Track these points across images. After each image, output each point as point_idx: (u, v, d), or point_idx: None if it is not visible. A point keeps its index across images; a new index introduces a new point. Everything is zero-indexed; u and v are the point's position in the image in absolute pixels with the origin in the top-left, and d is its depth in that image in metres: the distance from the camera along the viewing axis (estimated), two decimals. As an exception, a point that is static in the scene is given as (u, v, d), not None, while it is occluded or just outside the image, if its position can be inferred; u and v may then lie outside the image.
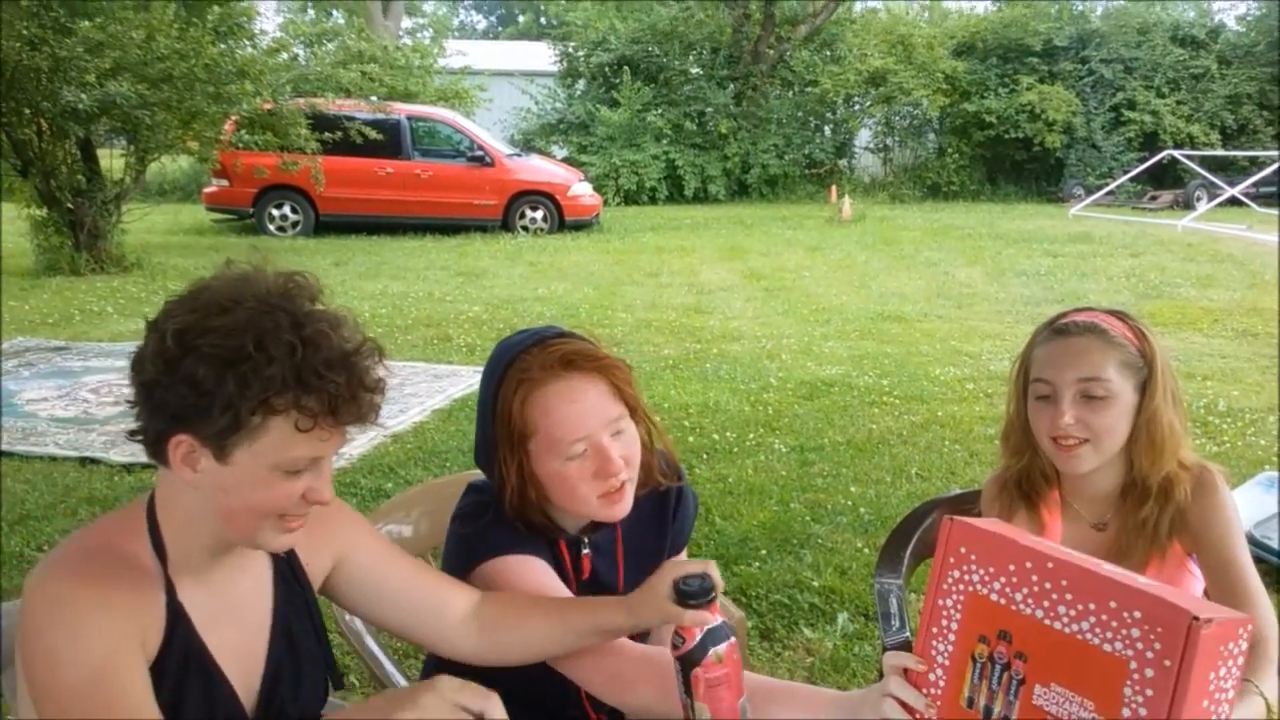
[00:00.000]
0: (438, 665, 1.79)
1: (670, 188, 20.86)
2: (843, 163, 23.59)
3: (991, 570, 1.16)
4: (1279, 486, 4.12)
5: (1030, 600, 1.12)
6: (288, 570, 1.41)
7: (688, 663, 1.27)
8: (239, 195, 14.45)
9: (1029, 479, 1.86)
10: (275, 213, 14.62)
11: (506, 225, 15.01)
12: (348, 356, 1.21)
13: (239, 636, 1.34)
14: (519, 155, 16.45)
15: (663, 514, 1.74)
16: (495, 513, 1.58)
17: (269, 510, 1.24)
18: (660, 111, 21.44)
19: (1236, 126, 22.05)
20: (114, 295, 9.66)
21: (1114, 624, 1.04)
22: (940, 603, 1.22)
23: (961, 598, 1.19)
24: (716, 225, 16.37)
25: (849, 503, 4.53)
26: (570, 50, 23.88)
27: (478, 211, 14.93)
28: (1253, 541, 3.81)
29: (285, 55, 13.88)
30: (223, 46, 11.10)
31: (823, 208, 18.71)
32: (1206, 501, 1.73)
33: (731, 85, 22.27)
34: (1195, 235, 14.65)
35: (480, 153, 15.11)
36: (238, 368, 1.15)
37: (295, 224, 14.66)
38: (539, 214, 15.12)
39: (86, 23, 9.83)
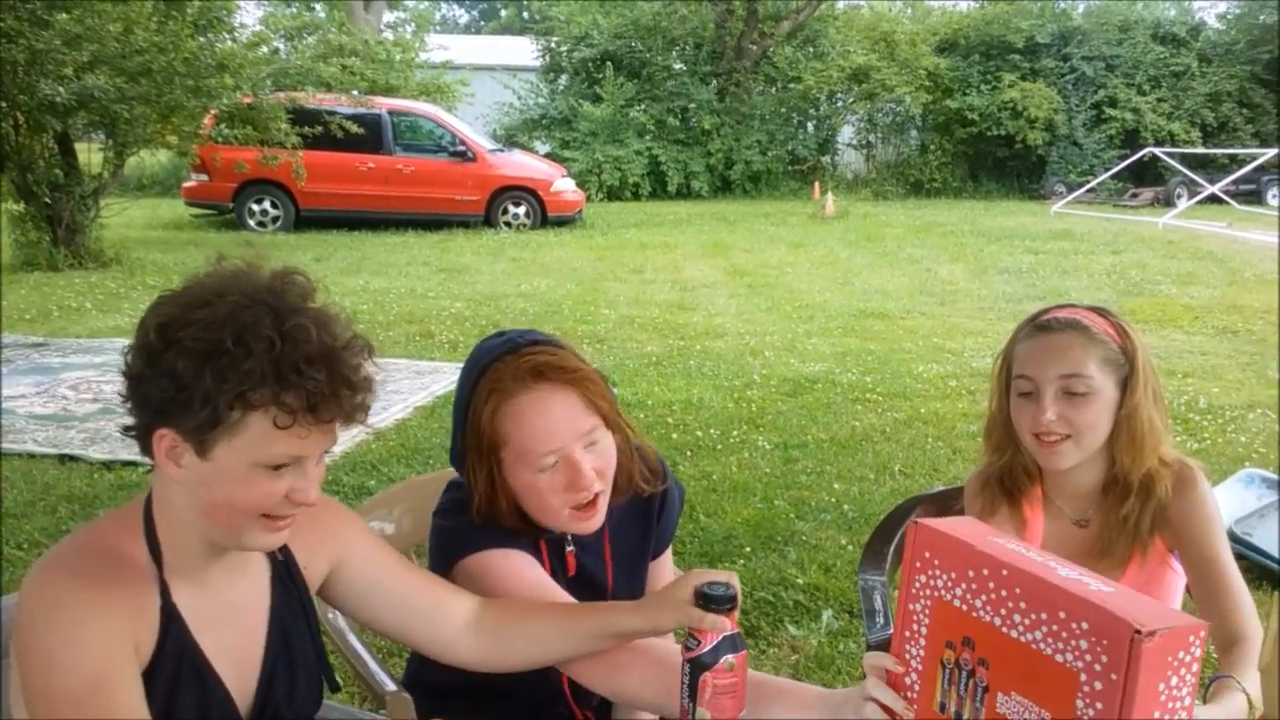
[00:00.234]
0: (421, 664, 1.78)
1: (653, 184, 20.84)
2: (826, 159, 23.64)
3: (953, 576, 1.16)
4: (1259, 483, 4.14)
5: (989, 607, 1.11)
6: (285, 572, 1.40)
7: (699, 666, 1.26)
8: (218, 190, 14.36)
9: (1011, 475, 1.86)
10: (255, 208, 14.54)
11: (489, 221, 14.96)
12: (331, 353, 1.20)
13: (234, 638, 1.33)
14: (501, 150, 16.41)
15: (648, 511, 1.74)
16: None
17: (251, 508, 1.22)
18: (643, 107, 21.43)
19: (1217, 124, 22.21)
20: (92, 291, 9.59)
21: (1064, 634, 1.03)
22: (910, 607, 1.21)
23: (928, 603, 1.19)
24: (699, 221, 16.37)
25: (833, 500, 4.53)
26: (553, 45, 23.84)
27: (460, 207, 14.88)
28: (1233, 538, 3.83)
29: (265, 49, 13.75)
30: (202, 40, 11.02)
31: (806, 204, 18.74)
32: (1187, 497, 1.73)
33: (714, 81, 22.27)
34: (1176, 233, 14.75)
35: (462, 148, 15.06)
36: (215, 361, 1.14)
37: (275, 219, 14.58)
38: (521, 210, 15.08)
39: (64, 15, 9.72)
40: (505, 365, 1.50)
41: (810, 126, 23.99)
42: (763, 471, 4.91)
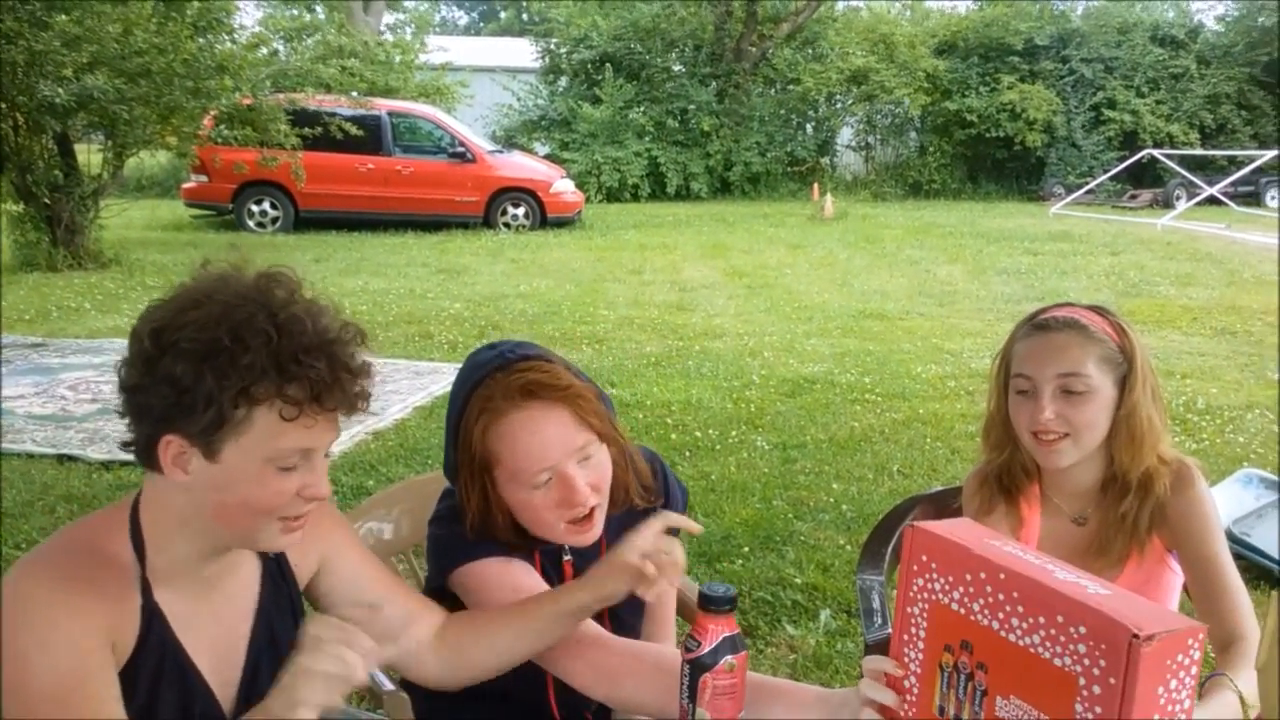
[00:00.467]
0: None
1: (652, 185, 20.85)
2: (825, 161, 23.63)
3: (951, 579, 1.15)
4: (1258, 483, 4.15)
5: (987, 611, 1.11)
6: (275, 569, 1.40)
7: (699, 667, 1.26)
8: (218, 191, 14.36)
9: (1010, 474, 1.86)
10: (255, 209, 14.54)
11: (488, 222, 14.96)
12: (328, 342, 1.20)
13: (218, 634, 1.33)
14: (501, 152, 16.41)
15: (648, 515, 1.72)
16: None
17: (266, 508, 1.22)
18: (642, 109, 21.44)
19: (1215, 126, 22.23)
20: (92, 291, 9.58)
21: (1062, 638, 1.03)
22: (908, 610, 1.21)
23: (926, 606, 1.18)
24: (699, 223, 16.38)
25: (831, 500, 4.53)
26: (552, 47, 23.85)
27: (459, 208, 14.88)
28: (1232, 538, 3.84)
29: (265, 50, 13.76)
30: (201, 41, 11.03)
31: (805, 205, 18.74)
32: (1185, 497, 1.73)
33: (714, 83, 22.28)
34: (1174, 234, 14.75)
35: (462, 149, 15.06)
36: (214, 360, 1.14)
37: (275, 220, 14.57)
38: (521, 211, 15.08)
39: (63, 16, 9.73)
40: (496, 382, 1.48)
41: (809, 128, 23.99)
42: (761, 472, 4.91)
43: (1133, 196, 20.04)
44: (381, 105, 15.13)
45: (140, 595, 1.24)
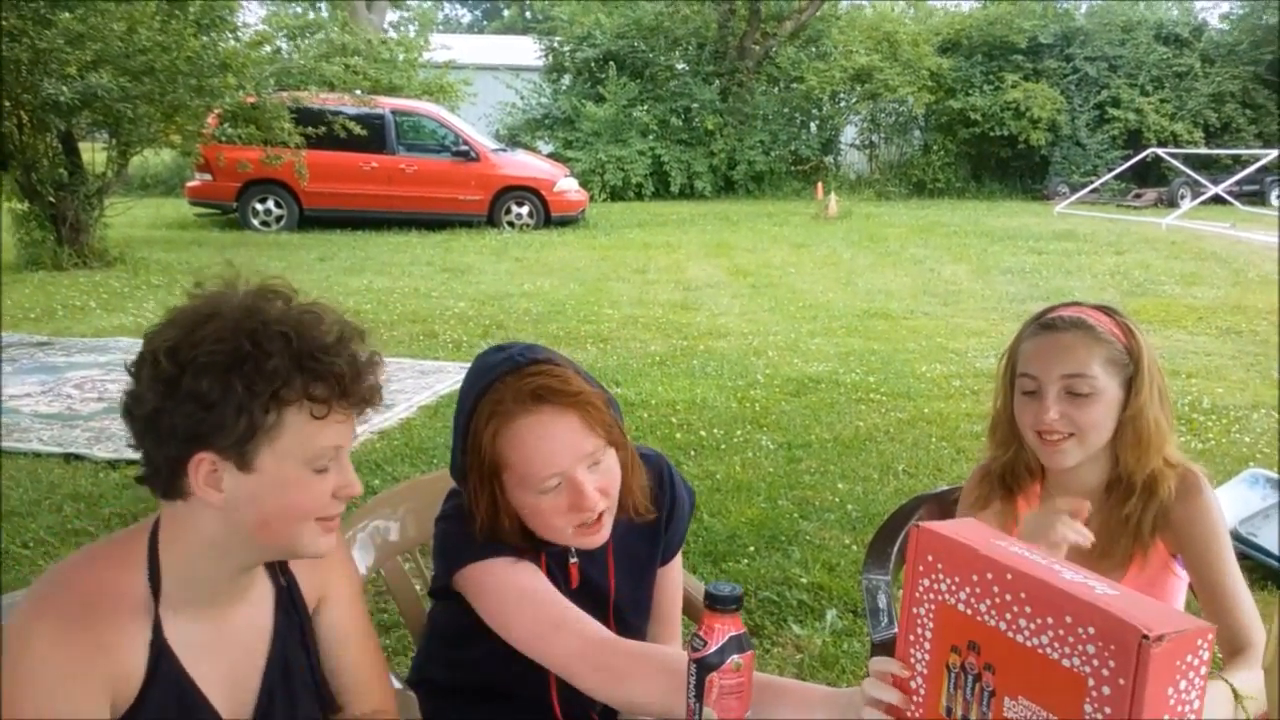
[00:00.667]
0: (425, 663, 1.78)
1: (656, 184, 20.85)
2: (828, 159, 23.63)
3: (957, 580, 1.15)
4: (1264, 484, 4.14)
5: (994, 612, 1.10)
6: (288, 598, 1.39)
7: (705, 666, 1.26)
8: (222, 189, 14.38)
9: (1013, 472, 1.86)
10: (259, 207, 14.55)
11: (492, 221, 14.97)
12: (342, 338, 1.22)
13: (231, 665, 1.32)
14: (504, 150, 16.41)
15: (655, 520, 1.72)
16: None
17: (306, 512, 1.22)
18: (646, 107, 21.43)
19: (1220, 125, 22.19)
20: (97, 290, 9.60)
21: (1070, 639, 1.02)
22: (914, 610, 1.21)
23: (933, 607, 1.18)
24: (703, 221, 16.37)
25: (836, 499, 4.53)
26: (556, 45, 23.84)
27: (463, 207, 14.89)
28: (1238, 538, 3.84)
29: (268, 48, 13.77)
30: (205, 39, 11.02)
31: (809, 204, 18.73)
32: (1192, 504, 1.73)
33: (717, 81, 22.26)
34: (1179, 233, 14.73)
35: (465, 148, 15.06)
36: (240, 368, 1.14)
37: (279, 218, 14.59)
38: (525, 209, 15.08)
39: (67, 14, 9.74)
40: (506, 386, 1.48)
41: (813, 127, 23.97)
42: (766, 471, 4.91)
43: (1137, 195, 20.01)
44: (385, 103, 15.14)
45: (150, 632, 1.23)
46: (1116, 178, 20.05)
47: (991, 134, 21.88)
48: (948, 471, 4.88)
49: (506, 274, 10.90)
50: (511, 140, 20.55)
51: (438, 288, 9.94)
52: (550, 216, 15.10)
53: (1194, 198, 17.86)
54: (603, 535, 1.55)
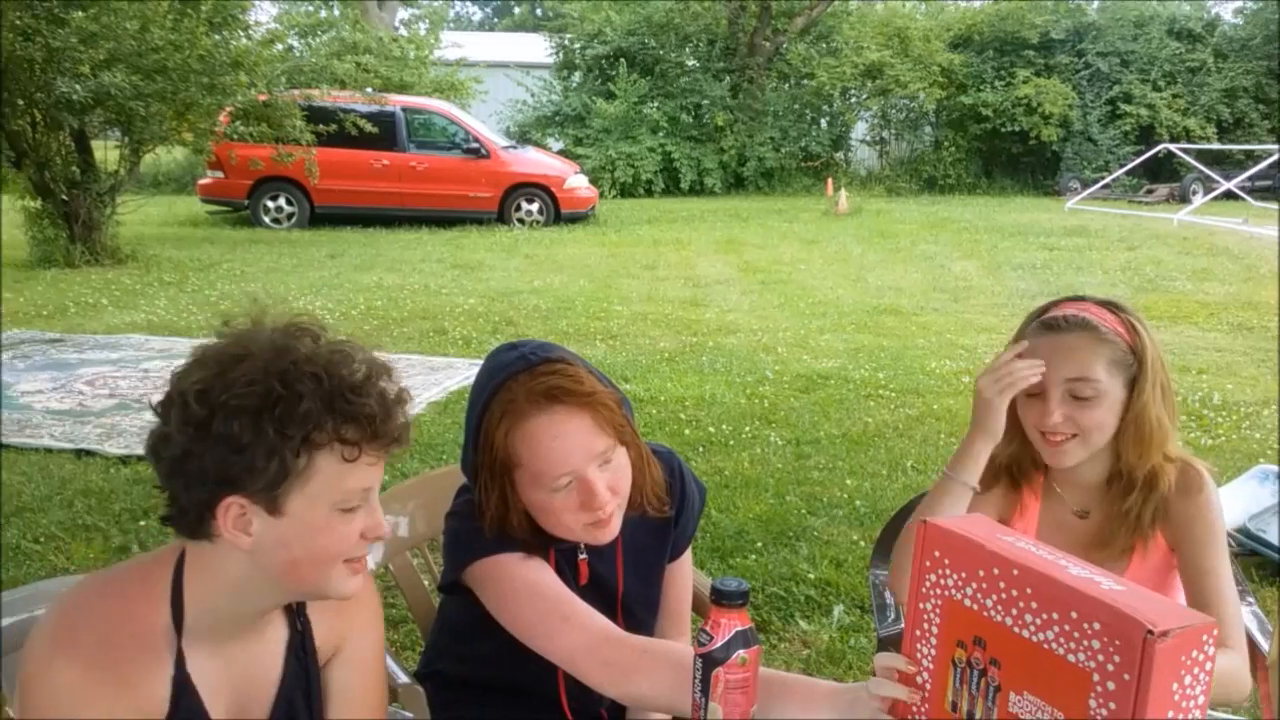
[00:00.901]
0: (434, 657, 1.79)
1: (666, 180, 20.84)
2: (839, 156, 23.57)
3: (964, 575, 1.15)
4: (1274, 479, 4.13)
5: (1000, 607, 1.11)
6: (299, 643, 1.38)
7: (711, 661, 1.27)
8: (234, 187, 14.43)
9: (1019, 464, 1.86)
10: (270, 204, 14.60)
11: (502, 218, 14.98)
12: (370, 377, 1.21)
13: (242, 705, 1.32)
14: (515, 147, 16.42)
15: (665, 516, 1.73)
16: None
17: (335, 555, 1.21)
18: (656, 104, 21.42)
19: (1233, 120, 22.06)
20: (109, 287, 9.64)
21: (1076, 634, 1.03)
22: (920, 606, 1.21)
23: (939, 602, 1.18)
24: (712, 218, 16.36)
25: (845, 495, 4.53)
26: (566, 42, 23.84)
27: (473, 204, 14.90)
28: (1248, 534, 3.83)
29: (280, 46, 13.80)
30: (217, 37, 11.05)
31: (819, 200, 18.70)
32: (1192, 501, 1.73)
33: (727, 78, 22.24)
34: (1191, 229, 14.66)
35: (476, 145, 15.08)
36: (271, 412, 1.12)
37: (290, 216, 14.63)
38: (535, 206, 15.09)
39: (80, 13, 9.77)
40: (519, 384, 1.49)
41: (823, 123, 23.92)
42: (775, 467, 4.91)
43: (1149, 191, 19.93)
44: (396, 101, 15.15)
45: (173, 667, 1.23)
46: (1128, 173, 19.97)
47: (1003, 130, 21.80)
48: (957, 468, 4.87)
49: (516, 271, 10.92)
50: (522, 137, 20.57)
51: (448, 284, 9.96)
52: (560, 213, 15.10)
53: (1206, 193, 17.78)
54: (612, 532, 1.56)
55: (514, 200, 15.05)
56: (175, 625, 1.22)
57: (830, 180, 20.13)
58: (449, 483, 1.71)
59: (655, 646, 1.52)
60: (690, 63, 22.96)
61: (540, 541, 1.58)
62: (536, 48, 25.88)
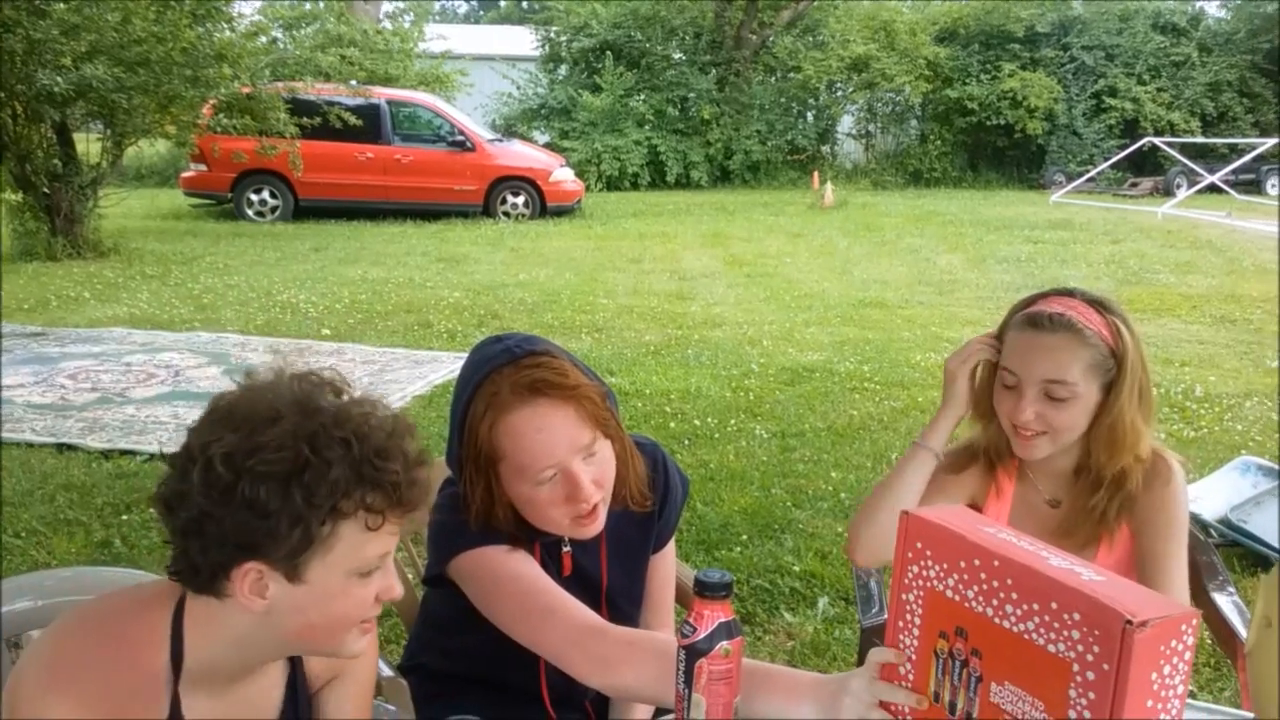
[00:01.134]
0: (417, 650, 1.79)
1: (652, 173, 20.82)
2: (825, 149, 23.60)
3: (945, 566, 1.16)
4: (1255, 471, 4.15)
5: (981, 598, 1.11)
6: (294, 678, 1.37)
7: (694, 652, 1.27)
8: (217, 180, 14.34)
9: (995, 448, 1.87)
10: (254, 197, 14.52)
11: (488, 211, 14.95)
12: (393, 439, 1.18)
13: None
14: (500, 140, 16.37)
15: (648, 510, 1.73)
16: None
17: (351, 621, 1.20)
18: (642, 97, 21.40)
19: (1216, 114, 22.16)
20: (91, 281, 9.58)
21: (1056, 625, 1.03)
22: (903, 597, 1.21)
23: (921, 593, 1.19)
24: (698, 211, 16.36)
25: (830, 488, 4.54)
26: (552, 35, 23.79)
27: (459, 197, 14.86)
28: (1230, 525, 3.85)
29: (264, 39, 13.73)
30: (200, 30, 10.97)
31: (805, 194, 18.72)
32: (1157, 493, 1.75)
33: (714, 71, 22.23)
34: (1175, 222, 14.73)
35: (461, 138, 15.03)
36: (299, 479, 1.10)
37: (274, 209, 14.56)
38: (520, 199, 15.06)
39: (61, 5, 9.71)
40: (503, 377, 1.49)
41: (809, 116, 23.94)
42: (760, 460, 4.91)
43: (1133, 184, 20.01)
44: (381, 94, 15.08)
45: (168, 710, 1.21)
46: (1113, 167, 20.05)
47: (988, 123, 21.85)
48: (941, 460, 4.88)
49: (502, 264, 10.89)
50: (507, 130, 20.52)
51: (433, 278, 9.93)
52: (546, 206, 15.07)
53: (1190, 186, 17.87)
54: (597, 526, 1.56)
55: (499, 193, 15.01)
56: (173, 669, 1.21)
57: (816, 173, 20.15)
58: (434, 476, 1.70)
59: (639, 638, 1.52)
60: (676, 56, 22.94)
61: (525, 534, 1.57)
62: (522, 40, 25.82)
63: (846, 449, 5.06)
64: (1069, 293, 1.78)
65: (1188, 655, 1.02)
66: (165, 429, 5.25)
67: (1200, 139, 20.63)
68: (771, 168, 21.91)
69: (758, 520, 4.18)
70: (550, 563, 1.62)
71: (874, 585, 2.15)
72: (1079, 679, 1.01)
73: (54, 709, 1.14)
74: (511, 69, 22.88)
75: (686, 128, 21.40)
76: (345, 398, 1.20)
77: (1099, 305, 1.75)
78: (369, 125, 14.24)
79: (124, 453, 4.85)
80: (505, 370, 1.49)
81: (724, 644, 1.27)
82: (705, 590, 1.28)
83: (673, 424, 5.44)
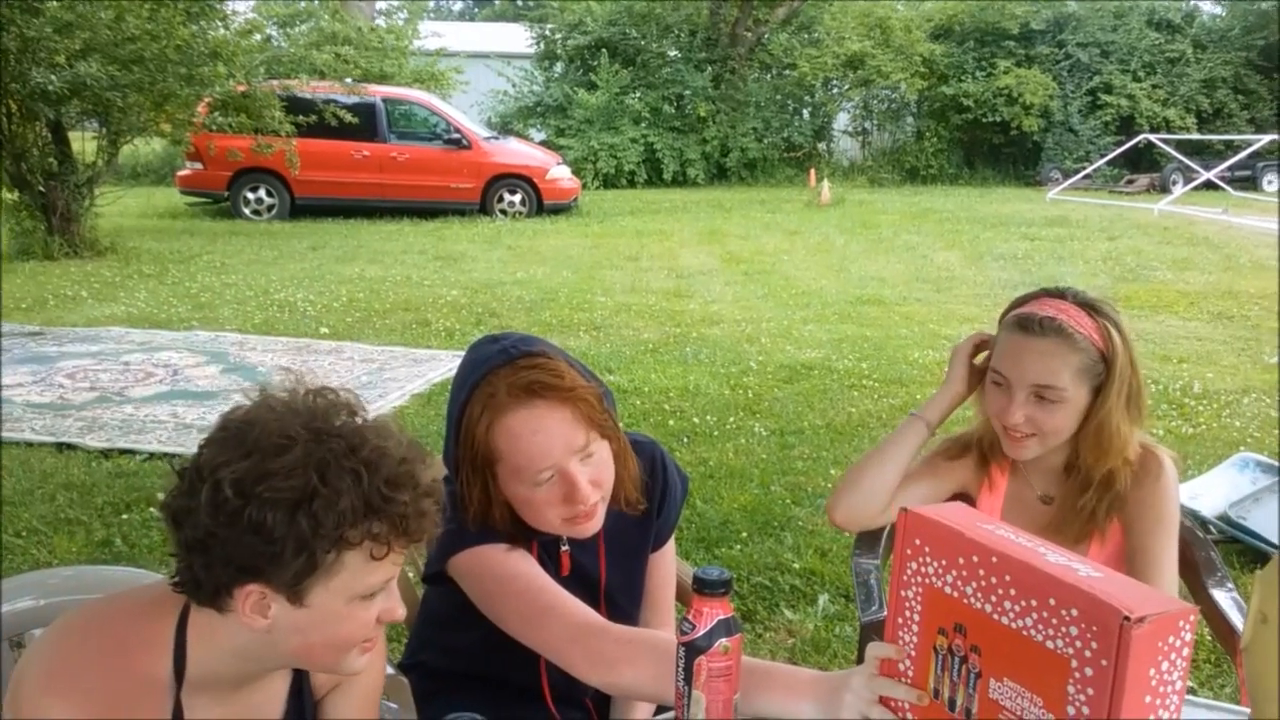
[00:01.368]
0: (419, 647, 1.79)
1: (649, 171, 20.81)
2: (821, 146, 23.62)
3: (944, 563, 1.16)
4: (1254, 467, 4.16)
5: (980, 594, 1.11)
6: (298, 685, 1.37)
7: (694, 650, 1.27)
8: (213, 178, 14.33)
9: (989, 442, 1.89)
10: (250, 196, 14.51)
11: (484, 209, 14.93)
12: (404, 468, 1.17)
13: None
14: (496, 138, 16.36)
15: (646, 508, 1.73)
16: None
17: (352, 642, 1.21)
18: (638, 94, 21.39)
19: (1212, 110, 22.20)
20: (88, 279, 9.57)
21: (1054, 621, 1.04)
22: (902, 594, 1.22)
23: (920, 590, 1.19)
24: (695, 209, 16.36)
25: (829, 485, 4.54)
26: (547, 33, 23.76)
27: (455, 195, 14.85)
28: (1229, 522, 3.86)
29: (258, 36, 13.70)
30: (194, 27, 10.94)
31: (801, 191, 18.73)
32: (1146, 489, 1.77)
33: (709, 68, 22.21)
34: (1171, 219, 14.75)
35: (457, 135, 15.01)
36: (307, 507, 1.10)
37: (270, 207, 14.55)
38: (517, 197, 15.05)
39: (54, 2, 9.68)
40: (499, 378, 1.48)
41: (806, 113, 23.95)
42: (759, 458, 4.92)
43: (1129, 181, 20.03)
44: (376, 91, 15.07)
45: (171, 715, 1.22)
46: (1109, 164, 20.06)
47: (984, 120, 21.87)
48: (939, 457, 4.89)
49: (499, 262, 10.89)
50: (504, 128, 20.50)
51: (430, 276, 9.92)
52: (542, 204, 15.06)
53: (1186, 183, 17.89)
54: (595, 525, 1.56)
55: (496, 191, 15.00)
56: (176, 677, 1.21)
57: (813, 171, 20.17)
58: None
59: (639, 636, 1.52)
60: (672, 53, 22.92)
61: (522, 534, 1.57)
62: (517, 38, 25.76)
63: (845, 446, 5.07)
64: (1061, 294, 1.78)
65: (1186, 651, 1.02)
66: (164, 428, 5.25)
67: (1196, 136, 20.65)
68: (768, 165, 21.91)
69: (757, 518, 4.19)
70: (548, 562, 1.62)
71: (873, 582, 2.15)
72: (1077, 675, 1.02)
73: (54, 711, 1.15)
74: (507, 66, 22.87)
75: (682, 125, 21.40)
76: (360, 419, 1.19)
77: (1090, 308, 1.75)
78: (365, 123, 14.21)
79: (123, 452, 4.85)
80: (501, 371, 1.49)
81: (723, 641, 1.27)
82: (704, 588, 1.28)
83: (671, 422, 5.44)
